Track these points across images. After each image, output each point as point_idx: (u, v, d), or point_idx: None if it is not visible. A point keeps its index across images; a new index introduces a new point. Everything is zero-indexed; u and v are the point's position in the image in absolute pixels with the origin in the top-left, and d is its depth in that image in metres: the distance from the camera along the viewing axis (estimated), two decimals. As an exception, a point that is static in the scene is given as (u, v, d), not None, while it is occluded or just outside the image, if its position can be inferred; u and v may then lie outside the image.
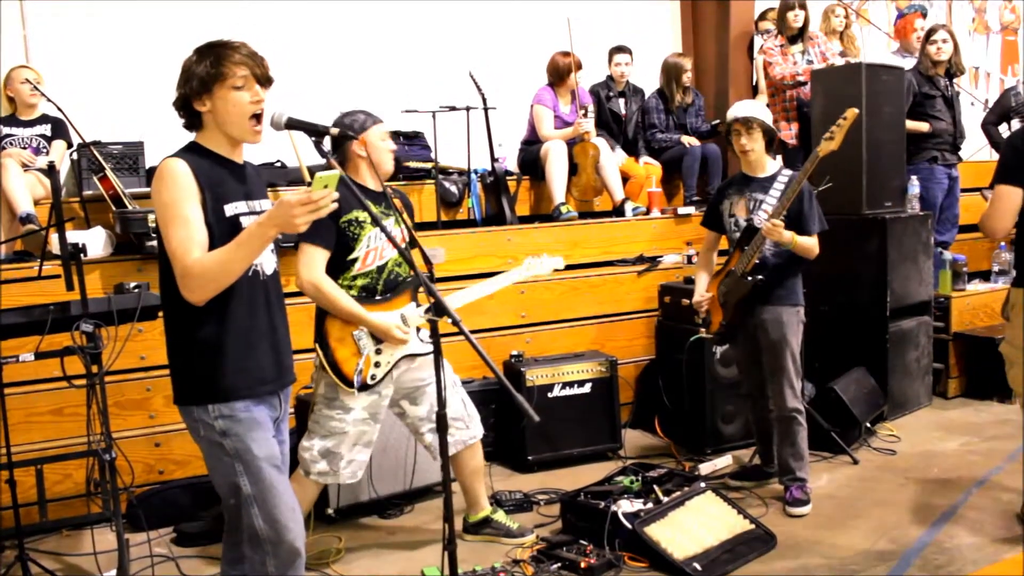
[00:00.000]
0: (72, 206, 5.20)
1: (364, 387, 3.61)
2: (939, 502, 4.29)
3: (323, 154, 2.46)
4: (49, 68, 5.59)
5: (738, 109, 4.35)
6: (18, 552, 3.49)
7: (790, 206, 4.07)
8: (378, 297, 3.68)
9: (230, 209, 2.57)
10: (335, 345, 3.59)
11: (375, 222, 2.79)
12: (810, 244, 4.16)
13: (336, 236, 3.59)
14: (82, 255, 3.49)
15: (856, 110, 4.05)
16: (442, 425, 2.56)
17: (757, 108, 4.36)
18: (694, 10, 7.83)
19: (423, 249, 3.42)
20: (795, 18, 6.64)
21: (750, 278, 4.22)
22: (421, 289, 3.72)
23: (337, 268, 3.63)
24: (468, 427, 3.94)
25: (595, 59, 6.92)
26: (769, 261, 4.25)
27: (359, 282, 3.66)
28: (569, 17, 6.36)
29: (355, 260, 3.65)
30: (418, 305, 3.74)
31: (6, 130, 5.40)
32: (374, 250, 3.68)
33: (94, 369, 3.44)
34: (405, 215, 3.80)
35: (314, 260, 3.54)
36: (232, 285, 2.52)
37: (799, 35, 6.69)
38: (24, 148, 5.33)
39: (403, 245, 3.67)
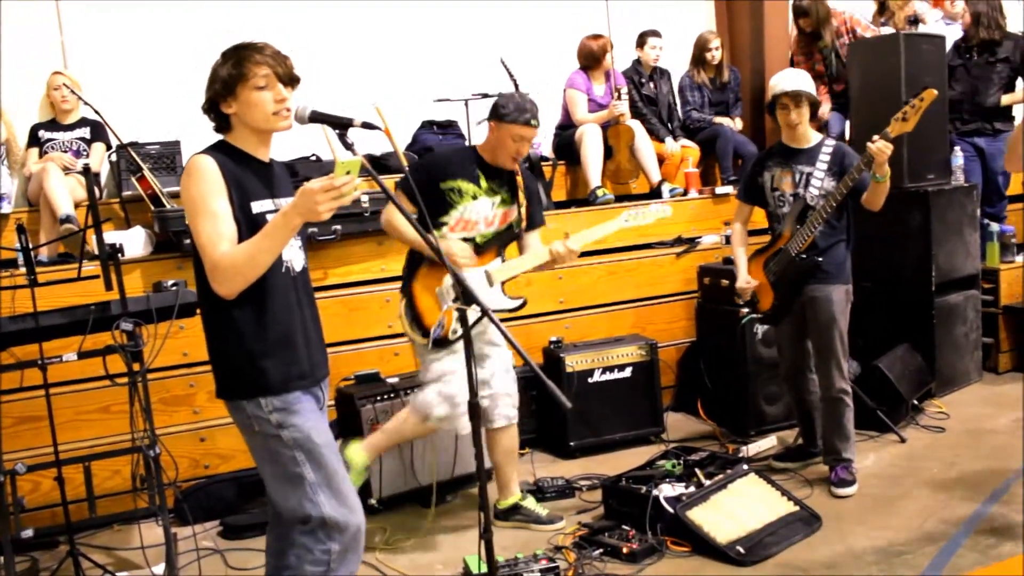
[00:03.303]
0: (112, 207, 5.29)
1: (440, 343, 3.67)
2: (990, 481, 4.20)
3: (347, 145, 2.47)
4: (86, 71, 5.67)
5: (784, 80, 4.21)
6: (69, 547, 3.57)
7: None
8: None
9: (256, 207, 2.59)
10: (419, 294, 3.73)
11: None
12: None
13: (434, 199, 3.65)
14: (120, 255, 3.55)
15: (935, 91, 3.89)
16: (475, 413, 2.56)
17: (803, 79, 4.23)
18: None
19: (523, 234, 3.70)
20: None
21: (806, 257, 4.15)
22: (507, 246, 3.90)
23: (425, 225, 3.66)
24: (515, 407, 3.99)
25: (626, 44, 6.82)
26: (820, 239, 4.16)
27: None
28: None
29: (443, 224, 3.74)
30: (503, 260, 3.82)
31: (48, 135, 5.51)
32: (465, 222, 3.75)
33: (135, 367, 3.50)
34: (522, 195, 3.89)
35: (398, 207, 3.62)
36: (266, 281, 2.54)
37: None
38: (65, 152, 5.43)
39: (495, 227, 3.86)
